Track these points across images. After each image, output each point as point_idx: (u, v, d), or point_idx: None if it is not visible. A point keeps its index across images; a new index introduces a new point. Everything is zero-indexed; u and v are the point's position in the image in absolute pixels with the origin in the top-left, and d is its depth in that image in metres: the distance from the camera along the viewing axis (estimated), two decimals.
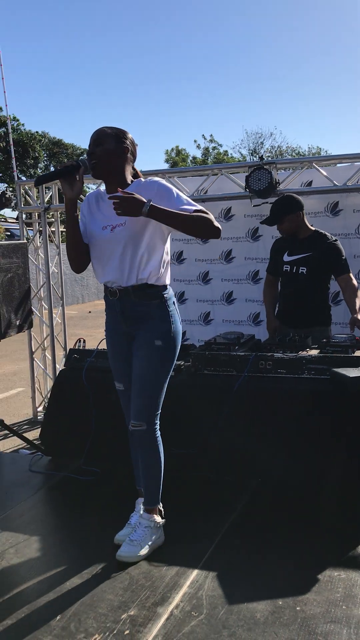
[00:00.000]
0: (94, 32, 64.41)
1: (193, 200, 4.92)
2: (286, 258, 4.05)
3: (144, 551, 2.52)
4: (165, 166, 36.38)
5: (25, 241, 4.76)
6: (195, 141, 40.02)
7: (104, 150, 2.52)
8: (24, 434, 4.66)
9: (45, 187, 5.74)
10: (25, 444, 4.36)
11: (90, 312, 15.61)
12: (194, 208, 2.48)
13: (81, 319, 14.12)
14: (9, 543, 2.72)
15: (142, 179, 2.62)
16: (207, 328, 5.70)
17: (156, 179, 2.62)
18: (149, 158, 64.63)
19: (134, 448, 2.79)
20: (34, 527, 2.93)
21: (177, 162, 35.61)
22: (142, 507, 2.69)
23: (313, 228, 4.05)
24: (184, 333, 5.87)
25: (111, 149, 2.53)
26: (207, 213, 2.50)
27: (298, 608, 2.14)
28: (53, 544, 2.73)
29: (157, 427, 2.62)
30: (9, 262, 4.12)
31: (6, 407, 6.54)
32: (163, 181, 2.58)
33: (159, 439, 2.63)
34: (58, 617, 2.15)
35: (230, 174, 5.21)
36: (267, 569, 2.42)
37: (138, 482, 2.81)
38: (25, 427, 5.80)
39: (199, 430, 3.31)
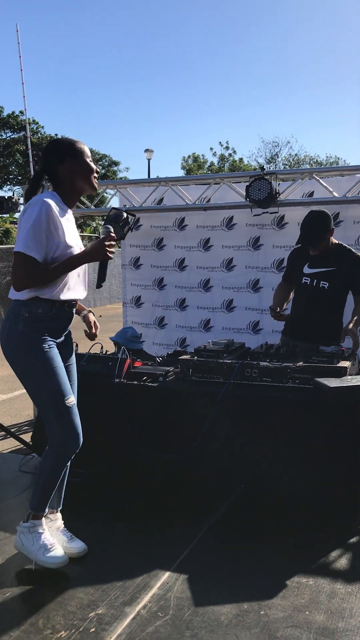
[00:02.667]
0: (114, 39, 65.04)
1: (196, 208, 4.92)
2: (307, 270, 3.88)
3: None
4: (182, 173, 36.55)
5: None
6: (211, 148, 40.18)
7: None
8: (25, 435, 4.75)
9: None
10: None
11: (101, 316, 15.72)
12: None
13: None
14: None
15: None
16: (207, 335, 5.75)
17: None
18: (164, 165, 65.04)
19: (67, 462, 2.66)
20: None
21: (193, 169, 35.75)
22: (52, 510, 2.72)
23: (336, 241, 3.90)
24: (184, 339, 5.94)
25: None
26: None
27: (262, 612, 2.18)
28: None
29: None
30: (7, 265, 4.21)
31: (9, 407, 6.64)
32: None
33: None
34: (28, 614, 2.22)
35: (233, 183, 5.26)
36: (238, 574, 2.47)
37: (46, 505, 2.64)
38: (25, 428, 5.88)
39: (185, 436, 3.36)
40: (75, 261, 2.49)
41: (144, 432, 3.45)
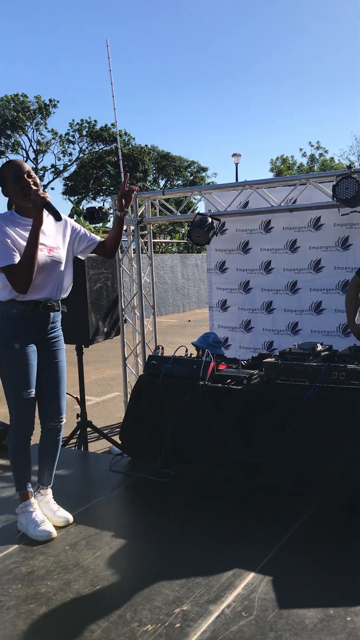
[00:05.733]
0: (199, 45, 65.58)
1: (282, 210, 4.93)
2: None
3: None
4: (270, 176, 36.22)
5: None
6: (300, 149, 39.52)
7: (36, 181, 2.86)
8: (116, 437, 4.91)
9: (138, 202, 6.01)
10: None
11: (189, 320, 15.91)
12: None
13: (180, 328, 14.43)
14: (81, 535, 2.92)
15: (45, 215, 2.92)
16: (295, 338, 5.66)
17: (64, 216, 2.95)
18: (252, 168, 64.65)
19: (27, 441, 2.97)
20: (108, 522, 3.12)
21: (282, 170, 35.32)
22: (42, 486, 3.12)
23: None
24: (271, 343, 5.89)
25: (38, 181, 2.90)
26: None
27: (349, 618, 2.14)
28: (122, 539, 2.89)
29: None
30: (98, 273, 4.38)
31: (102, 409, 6.88)
32: (69, 219, 3.07)
33: None
34: (116, 606, 2.30)
35: (320, 183, 5.17)
36: (323, 579, 2.43)
37: (26, 483, 2.99)
38: (117, 429, 6.06)
39: (270, 439, 3.35)
40: (31, 233, 2.70)
41: (228, 434, 3.47)
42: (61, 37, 59.39)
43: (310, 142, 41.94)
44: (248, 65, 66.14)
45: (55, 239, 2.91)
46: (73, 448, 4.83)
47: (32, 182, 2.79)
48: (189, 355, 3.96)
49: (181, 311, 18.33)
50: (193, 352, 4.20)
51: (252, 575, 2.47)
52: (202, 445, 3.57)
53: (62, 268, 2.91)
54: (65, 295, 3.01)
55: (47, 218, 2.86)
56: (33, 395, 2.88)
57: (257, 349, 5.91)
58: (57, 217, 2.77)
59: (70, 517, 3.06)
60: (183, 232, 24.98)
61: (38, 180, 2.88)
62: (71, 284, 3.05)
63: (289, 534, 2.82)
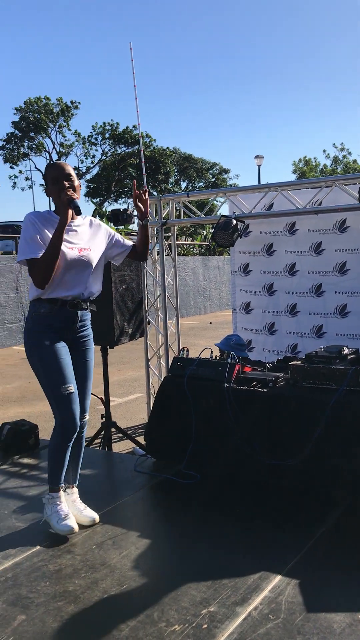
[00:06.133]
0: (219, 46, 65.57)
1: (307, 212, 4.91)
2: None
3: None
4: (293, 178, 36.04)
5: None
6: (324, 151, 39.27)
7: (74, 184, 2.93)
8: (139, 437, 4.94)
9: (163, 204, 6.04)
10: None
11: (211, 323, 15.90)
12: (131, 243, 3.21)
13: (202, 330, 14.43)
14: (108, 535, 2.94)
15: (81, 217, 3.05)
16: (320, 341, 5.63)
17: (99, 221, 3.14)
18: (274, 170, 64.39)
19: (69, 442, 2.99)
20: (134, 522, 3.14)
21: (305, 172, 35.12)
22: (69, 485, 3.14)
23: None
24: (295, 346, 5.87)
25: (77, 184, 2.96)
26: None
27: None
28: (148, 539, 2.90)
29: None
30: (123, 274, 4.41)
31: (125, 410, 6.91)
32: (105, 225, 3.17)
33: None
34: (143, 606, 2.32)
35: (346, 185, 5.14)
36: (350, 583, 2.42)
37: (60, 479, 3.03)
38: (140, 430, 6.09)
39: (296, 442, 3.34)
40: (56, 230, 2.78)
41: (253, 437, 3.46)
42: (82, 39, 59.91)
43: (334, 144, 41.64)
44: (271, 67, 65.97)
45: (88, 241, 2.98)
46: (98, 448, 4.87)
47: (67, 185, 2.87)
48: (213, 357, 3.97)
49: (202, 313, 18.33)
50: (217, 353, 4.20)
51: (278, 578, 2.47)
52: (227, 447, 3.57)
53: (92, 270, 2.97)
54: (93, 297, 3.06)
55: (84, 221, 3.01)
56: (72, 391, 2.91)
57: (281, 351, 5.89)
58: (77, 211, 2.87)
59: (97, 517, 3.09)
60: (204, 234, 24.97)
61: (77, 183, 2.95)
62: (100, 289, 3.11)
63: (315, 537, 2.81)
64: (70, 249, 2.86)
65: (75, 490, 3.18)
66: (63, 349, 2.92)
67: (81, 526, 3.02)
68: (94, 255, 2.97)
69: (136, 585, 2.49)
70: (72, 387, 2.92)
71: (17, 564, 2.69)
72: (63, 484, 3.05)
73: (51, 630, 2.20)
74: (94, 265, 2.96)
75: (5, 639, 2.15)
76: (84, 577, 2.55)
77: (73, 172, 2.97)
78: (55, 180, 2.90)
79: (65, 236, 2.86)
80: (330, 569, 2.55)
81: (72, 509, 3.09)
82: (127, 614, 2.27)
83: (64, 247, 2.84)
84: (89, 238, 3.00)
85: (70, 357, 2.95)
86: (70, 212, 2.83)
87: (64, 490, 3.11)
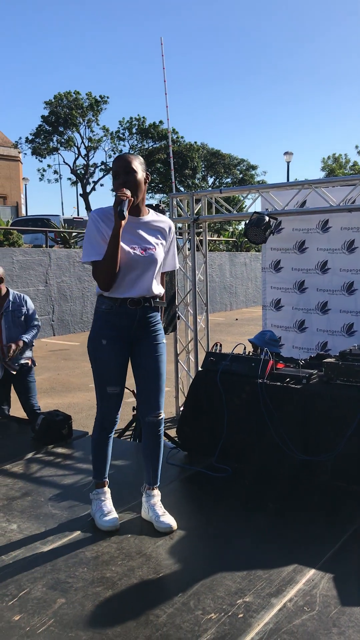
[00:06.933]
0: (251, 44, 65.12)
1: (341, 210, 4.89)
2: None
3: None
4: (322, 175, 35.71)
5: None
6: (356, 147, 38.75)
7: (135, 178, 2.76)
8: (167, 431, 4.99)
9: (195, 199, 6.07)
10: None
11: (237, 319, 15.89)
12: (176, 267, 3.18)
13: (227, 326, 14.44)
14: (142, 524, 3.00)
15: (153, 211, 2.98)
16: (350, 339, 5.63)
17: (169, 221, 3.01)
18: (302, 166, 63.84)
19: (106, 436, 3.02)
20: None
21: (335, 169, 34.76)
22: (148, 486, 3.08)
23: None
24: (325, 343, 5.87)
25: (140, 177, 2.79)
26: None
27: None
28: (181, 530, 2.95)
29: None
30: None
31: None
32: (173, 228, 3.03)
33: None
34: (180, 594, 2.37)
35: None
36: None
37: (103, 474, 3.06)
38: (169, 424, 6.14)
39: (329, 439, 3.36)
40: (111, 238, 2.69)
41: (286, 433, 3.49)
42: (112, 34, 60.02)
43: None
44: (300, 63, 65.34)
45: (152, 239, 2.88)
46: (129, 440, 4.94)
47: (122, 181, 2.74)
48: (247, 353, 4.00)
49: (228, 309, 18.33)
50: (250, 349, 4.23)
51: (312, 571, 2.50)
52: (260, 442, 3.60)
53: (157, 269, 2.88)
54: (159, 293, 2.94)
55: (156, 217, 2.92)
56: (117, 392, 2.93)
57: (311, 349, 5.90)
58: (121, 215, 2.64)
59: (174, 524, 2.92)
60: (231, 230, 24.90)
61: (141, 176, 2.79)
62: (161, 289, 2.99)
63: (349, 533, 2.83)
64: (132, 249, 2.78)
65: (156, 492, 3.07)
66: (120, 350, 2.89)
67: (159, 533, 2.90)
68: (159, 253, 2.87)
69: (171, 573, 2.54)
70: (118, 389, 2.92)
71: (55, 550, 2.77)
72: (107, 479, 3.07)
73: (90, 614, 2.27)
74: (158, 264, 2.88)
75: (46, 621, 2.22)
76: (120, 565, 2.61)
77: (137, 165, 2.77)
78: (115, 175, 2.78)
79: (128, 235, 2.78)
80: None
81: (150, 513, 2.98)
82: (163, 601, 2.32)
83: (126, 247, 2.76)
84: (154, 235, 2.89)
85: (126, 358, 2.93)
86: (126, 213, 2.67)
87: (144, 491, 3.08)
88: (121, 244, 2.73)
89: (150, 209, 2.96)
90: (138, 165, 2.78)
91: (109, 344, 2.87)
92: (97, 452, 3.03)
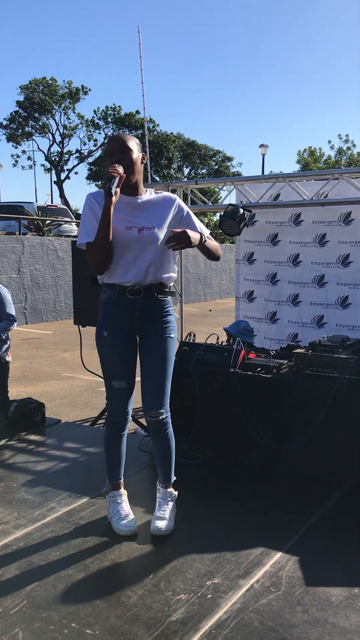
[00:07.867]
0: (228, 35, 65.02)
1: (314, 204, 4.95)
2: None
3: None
4: (297, 167, 35.98)
5: None
6: (329, 142, 39.20)
7: (130, 157, 2.63)
8: (140, 419, 5.04)
9: (171, 190, 6.10)
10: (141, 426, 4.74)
11: (210, 310, 15.99)
12: (208, 232, 2.77)
13: (201, 317, 14.52)
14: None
15: (154, 190, 2.78)
16: (320, 331, 5.73)
17: (171, 195, 2.77)
18: (278, 159, 64.18)
19: (117, 434, 2.92)
20: (138, 499, 3.23)
21: (309, 163, 35.06)
22: (161, 485, 2.96)
23: None
24: (296, 335, 5.98)
25: (135, 157, 2.65)
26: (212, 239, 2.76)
27: None
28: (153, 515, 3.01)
29: None
30: None
31: None
32: (181, 202, 2.77)
33: None
34: (151, 576, 2.44)
35: (353, 178, 5.21)
36: (348, 560, 2.55)
37: (117, 475, 2.94)
38: (140, 413, 6.20)
39: (298, 428, 3.45)
40: (103, 214, 2.52)
41: (256, 422, 3.57)
42: (88, 21, 59.29)
43: (339, 135, 41.52)
44: (278, 56, 65.50)
45: (152, 219, 2.67)
46: (102, 428, 4.97)
47: (116, 159, 2.60)
48: (220, 343, 4.06)
49: (202, 300, 18.41)
50: (223, 339, 4.30)
51: (279, 554, 2.59)
52: (231, 430, 3.68)
53: (158, 251, 2.65)
54: (163, 282, 2.74)
55: (154, 196, 2.73)
56: (122, 386, 2.79)
57: (282, 340, 6.00)
58: (109, 193, 2.48)
59: (164, 528, 2.78)
60: (206, 221, 24.95)
61: (136, 156, 2.65)
62: (173, 274, 2.78)
63: (315, 517, 2.93)
64: (127, 229, 2.60)
65: (165, 491, 2.95)
66: (122, 343, 2.74)
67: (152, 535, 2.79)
68: (160, 234, 2.65)
69: (142, 557, 2.61)
70: (124, 384, 2.78)
71: (28, 534, 2.80)
72: (122, 480, 2.95)
73: (62, 595, 2.32)
74: (158, 244, 2.64)
75: (19, 602, 2.26)
76: (92, 548, 2.67)
77: (133, 144, 2.64)
78: (110, 154, 2.63)
79: (123, 215, 2.62)
80: (329, 546, 2.68)
81: (157, 511, 2.90)
82: (135, 583, 2.39)
83: (120, 226, 2.59)
84: (154, 214, 2.67)
85: (132, 351, 2.78)
86: (117, 190, 2.51)
87: (157, 489, 2.97)
88: (115, 224, 2.58)
89: (149, 189, 2.78)
90: (134, 144, 2.66)
91: (111, 336, 2.73)
92: (108, 448, 2.91)
